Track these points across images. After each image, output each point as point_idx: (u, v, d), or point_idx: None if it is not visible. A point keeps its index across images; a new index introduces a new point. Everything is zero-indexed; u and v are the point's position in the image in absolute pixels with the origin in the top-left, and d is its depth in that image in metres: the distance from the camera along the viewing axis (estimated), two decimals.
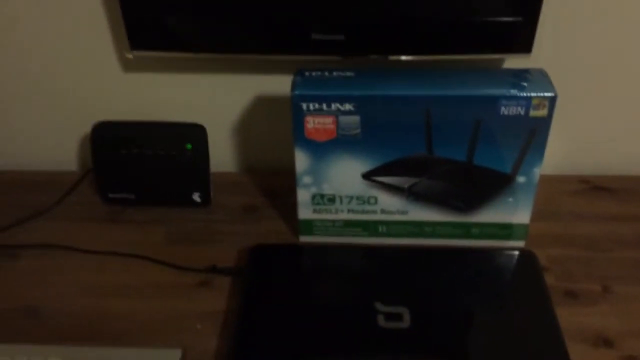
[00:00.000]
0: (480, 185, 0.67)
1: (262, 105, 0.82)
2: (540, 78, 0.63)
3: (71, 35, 0.77)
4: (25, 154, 0.87)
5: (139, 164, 0.76)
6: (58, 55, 0.79)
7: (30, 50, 0.79)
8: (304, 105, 0.62)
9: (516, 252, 0.69)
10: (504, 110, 0.61)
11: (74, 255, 0.71)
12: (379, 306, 0.60)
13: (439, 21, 0.68)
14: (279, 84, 0.80)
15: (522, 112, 0.61)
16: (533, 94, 0.60)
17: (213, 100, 0.82)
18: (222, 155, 0.86)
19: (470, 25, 0.68)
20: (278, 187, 0.82)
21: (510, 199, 0.67)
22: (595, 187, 0.81)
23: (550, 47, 0.75)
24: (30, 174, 0.85)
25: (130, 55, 0.72)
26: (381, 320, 0.59)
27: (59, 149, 0.87)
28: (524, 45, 0.69)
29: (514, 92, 0.60)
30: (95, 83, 0.81)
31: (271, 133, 0.84)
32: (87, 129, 0.84)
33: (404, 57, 0.70)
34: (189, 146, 0.75)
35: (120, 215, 0.78)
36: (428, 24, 0.68)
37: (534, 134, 0.62)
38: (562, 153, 0.83)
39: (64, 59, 0.79)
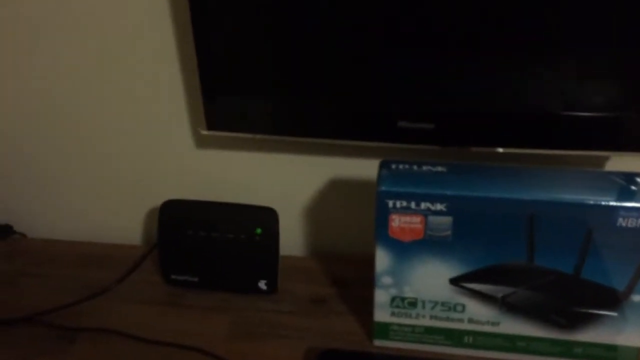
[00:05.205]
0: (587, 300, 0.58)
1: (336, 188, 0.77)
2: None
3: (146, 108, 0.76)
4: (93, 225, 0.86)
5: (205, 245, 0.72)
6: (131, 127, 0.77)
7: (104, 122, 0.78)
8: (390, 203, 0.56)
9: None
10: (621, 222, 0.53)
11: (131, 343, 0.67)
12: None
13: (541, 113, 0.62)
14: (357, 168, 0.75)
15: None
16: None
17: (285, 180, 0.78)
18: (291, 238, 0.82)
19: (576, 119, 0.61)
20: (350, 276, 0.76)
21: (621, 318, 0.58)
22: None
23: None
24: (97, 247, 0.83)
25: (204, 132, 0.69)
26: None
27: (126, 221, 0.85)
28: (637, 142, 0.62)
29: (634, 201, 0.52)
30: (166, 156, 0.79)
31: (345, 217, 0.79)
32: (154, 202, 0.82)
33: (499, 150, 0.64)
34: (258, 231, 0.70)
35: (181, 299, 0.73)
36: (528, 115, 0.62)
37: None
38: None
39: (137, 131, 0.77)
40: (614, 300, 0.58)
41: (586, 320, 0.59)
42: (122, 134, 0.78)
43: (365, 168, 0.75)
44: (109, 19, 0.70)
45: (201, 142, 0.77)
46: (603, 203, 0.53)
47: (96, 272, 0.78)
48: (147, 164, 0.80)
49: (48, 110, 0.78)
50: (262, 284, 0.73)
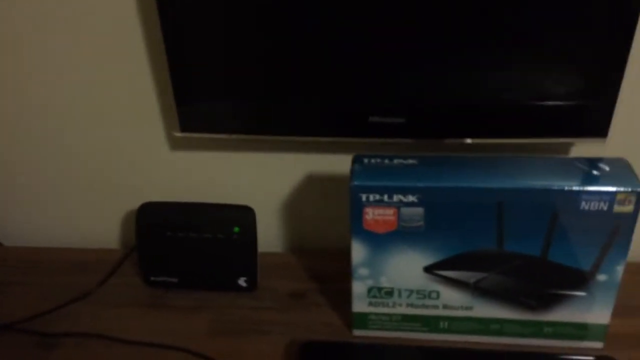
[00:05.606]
0: (555, 282, 0.61)
1: (312, 185, 0.79)
2: (622, 169, 0.57)
3: (119, 112, 0.76)
4: (70, 230, 0.85)
5: (183, 246, 0.72)
6: (105, 131, 0.77)
7: (78, 127, 0.77)
8: (364, 196, 0.58)
9: (596, 358, 0.62)
10: (584, 205, 0.56)
11: (113, 345, 0.67)
12: None
13: (507, 103, 0.64)
14: (331, 163, 0.77)
15: (605, 208, 0.55)
16: (619, 189, 0.54)
17: (261, 178, 0.79)
18: (269, 235, 0.83)
19: (541, 108, 0.64)
20: (328, 270, 0.77)
21: (588, 297, 0.61)
22: None
23: (624, 131, 0.70)
24: (74, 252, 0.82)
25: (178, 134, 0.70)
26: None
27: (103, 226, 0.85)
28: (599, 129, 0.64)
29: (596, 185, 0.55)
30: (142, 160, 0.79)
31: (321, 213, 0.81)
32: (131, 206, 0.82)
33: (468, 141, 0.66)
34: (236, 229, 0.71)
35: (161, 300, 0.74)
36: (495, 106, 0.64)
37: (617, 230, 0.56)
38: (636, 240, 0.76)
39: (112, 135, 0.78)
40: (581, 280, 0.60)
41: (555, 300, 0.62)
42: (97, 140, 0.78)
43: (340, 164, 0.77)
44: (77, 24, 0.70)
45: (176, 145, 0.78)
46: (567, 188, 0.55)
47: (75, 278, 0.78)
48: (123, 168, 0.80)
49: (21, 116, 0.78)
50: (241, 282, 0.74)
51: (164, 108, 0.75)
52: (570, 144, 0.71)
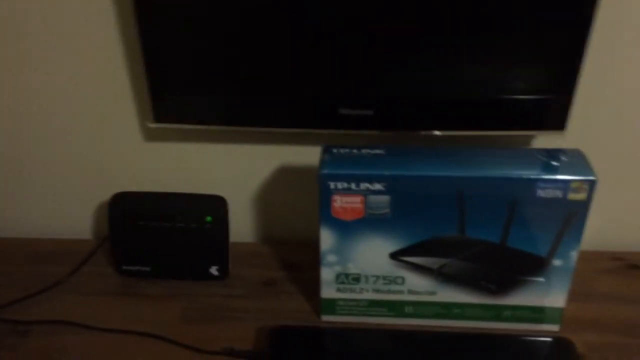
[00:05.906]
0: (513, 267, 0.64)
1: (283, 176, 0.80)
2: (578, 159, 0.60)
3: (93, 102, 0.76)
4: (42, 220, 0.86)
5: (156, 236, 0.74)
6: (78, 121, 0.78)
7: (51, 117, 0.78)
8: (332, 184, 0.60)
9: (552, 339, 0.65)
10: (540, 193, 0.58)
11: (86, 333, 0.68)
12: None
13: (471, 97, 0.67)
14: (302, 155, 0.78)
15: (560, 195, 0.58)
16: (572, 177, 0.57)
17: (234, 169, 0.80)
18: (241, 225, 0.84)
19: (504, 102, 0.66)
20: (298, 259, 0.79)
21: (545, 282, 0.64)
22: (630, 265, 0.77)
23: (581, 124, 0.73)
24: (46, 242, 0.83)
25: (152, 125, 0.71)
26: None
27: (75, 216, 0.85)
28: (558, 122, 0.67)
29: (552, 174, 0.58)
30: (115, 151, 0.80)
31: (292, 204, 0.82)
32: (104, 196, 0.83)
33: (435, 133, 0.69)
34: (209, 219, 0.73)
35: (133, 289, 0.75)
36: (459, 100, 0.67)
37: (571, 217, 0.60)
38: (593, 229, 0.80)
39: (85, 125, 0.78)
40: (538, 265, 0.63)
41: (514, 285, 0.65)
42: (69, 130, 0.79)
43: (310, 155, 0.79)
44: (53, 14, 0.71)
45: (149, 135, 0.79)
46: (524, 176, 0.58)
47: (47, 267, 0.78)
48: (97, 158, 0.81)
49: None
50: (213, 270, 0.75)
51: (137, 99, 0.76)
52: (532, 136, 0.75)
